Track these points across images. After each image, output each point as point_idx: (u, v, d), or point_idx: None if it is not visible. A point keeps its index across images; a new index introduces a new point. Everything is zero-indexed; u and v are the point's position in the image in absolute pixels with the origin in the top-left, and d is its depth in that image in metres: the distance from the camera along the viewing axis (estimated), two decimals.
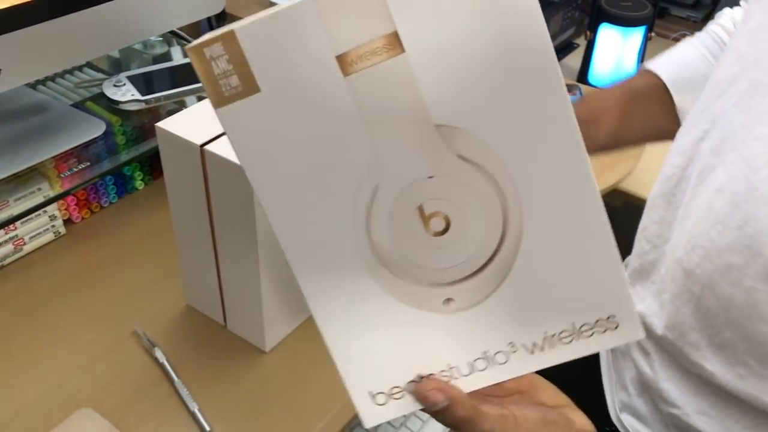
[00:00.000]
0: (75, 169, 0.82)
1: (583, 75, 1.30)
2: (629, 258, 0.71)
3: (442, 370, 0.41)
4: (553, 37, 1.39)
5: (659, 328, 0.63)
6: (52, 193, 0.81)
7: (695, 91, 0.74)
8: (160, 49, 1.01)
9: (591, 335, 0.41)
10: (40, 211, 0.80)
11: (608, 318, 0.41)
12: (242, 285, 0.69)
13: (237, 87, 0.35)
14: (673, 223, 0.63)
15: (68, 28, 0.78)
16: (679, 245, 0.59)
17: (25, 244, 0.81)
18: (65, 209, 0.84)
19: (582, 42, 1.35)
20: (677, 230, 0.61)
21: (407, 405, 0.41)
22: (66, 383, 0.68)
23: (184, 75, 0.91)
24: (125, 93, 0.85)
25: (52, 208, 0.82)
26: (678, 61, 0.80)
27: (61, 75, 0.95)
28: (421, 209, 0.38)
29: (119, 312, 0.75)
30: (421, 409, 0.42)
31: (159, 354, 0.70)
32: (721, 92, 0.58)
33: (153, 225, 0.87)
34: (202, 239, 0.68)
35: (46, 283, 0.78)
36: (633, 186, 1.10)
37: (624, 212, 0.87)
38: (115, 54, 1.01)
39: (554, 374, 0.45)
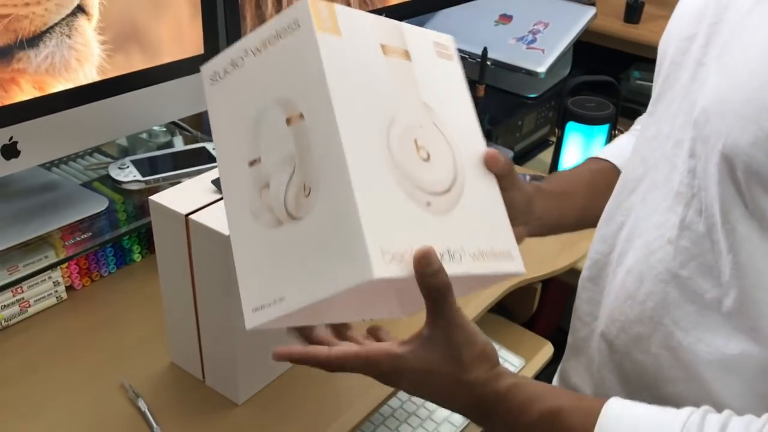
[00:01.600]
0: (78, 239, 0.92)
1: (553, 169, 1.41)
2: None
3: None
4: (528, 135, 1.51)
5: None
6: (56, 258, 0.90)
7: None
8: (163, 138, 1.13)
9: (493, 261, 0.58)
10: (45, 277, 0.90)
11: (505, 251, 0.60)
12: (219, 344, 0.77)
13: (329, 27, 0.55)
14: (600, 302, 0.71)
15: (81, 117, 0.90)
16: (603, 320, 0.68)
17: (30, 306, 0.90)
18: (68, 276, 0.94)
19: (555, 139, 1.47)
20: (603, 308, 0.70)
21: (402, 269, 0.51)
22: (57, 428, 0.75)
23: (182, 160, 1.03)
24: (128, 174, 0.96)
25: (56, 275, 0.91)
26: (622, 149, 0.89)
27: (73, 158, 1.07)
28: (416, 141, 0.57)
29: (109, 368, 0.83)
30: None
31: (141, 404, 0.77)
32: (631, 189, 0.68)
33: (147, 293, 0.95)
34: (185, 302, 0.77)
35: (46, 342, 0.87)
36: None
37: None
38: (123, 142, 1.13)
39: None
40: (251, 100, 0.58)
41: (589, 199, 0.85)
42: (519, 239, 0.70)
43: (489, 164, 0.63)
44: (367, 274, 0.48)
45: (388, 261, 0.49)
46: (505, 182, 0.65)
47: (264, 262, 0.56)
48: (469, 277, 0.56)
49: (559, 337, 1.25)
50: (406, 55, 0.60)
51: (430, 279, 0.51)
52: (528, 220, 0.73)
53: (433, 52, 0.63)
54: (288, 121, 0.54)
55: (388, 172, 0.53)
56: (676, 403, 0.60)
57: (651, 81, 1.94)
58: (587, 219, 0.89)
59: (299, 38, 0.54)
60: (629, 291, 0.63)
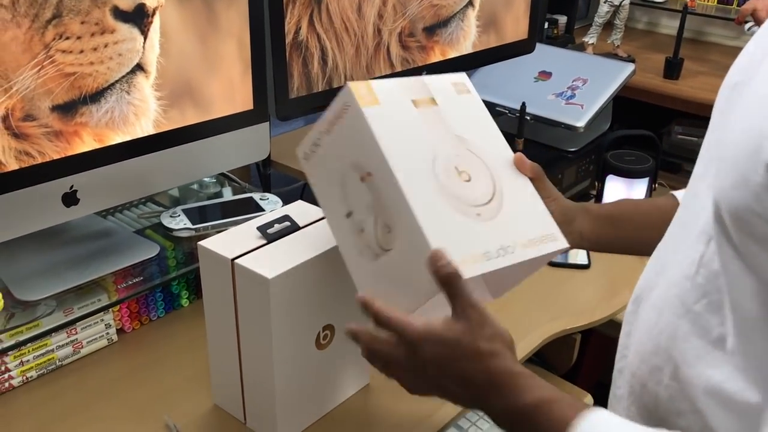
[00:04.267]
0: (130, 282, 0.96)
1: None
2: None
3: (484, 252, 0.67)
4: (569, 188, 1.52)
5: None
6: (109, 301, 0.94)
7: None
8: (213, 189, 1.18)
9: (540, 244, 0.71)
10: (98, 319, 0.94)
11: (549, 234, 0.72)
12: (260, 386, 0.79)
13: (370, 101, 0.69)
14: (633, 335, 0.73)
15: (137, 168, 0.95)
16: (631, 352, 0.70)
17: (82, 347, 0.94)
18: (119, 320, 0.98)
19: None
20: (632, 341, 0.71)
21: (467, 272, 0.64)
22: None
23: (231, 209, 1.07)
24: (179, 222, 1.01)
25: (108, 318, 0.96)
26: None
27: (128, 207, 1.12)
28: (456, 168, 0.71)
29: (155, 408, 0.86)
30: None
31: None
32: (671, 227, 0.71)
33: (193, 337, 0.99)
34: (229, 344, 0.80)
35: (96, 381, 0.91)
36: None
37: None
38: (175, 192, 1.18)
39: None
40: (334, 167, 0.72)
41: (637, 230, 0.87)
42: None
43: (518, 166, 0.76)
44: None
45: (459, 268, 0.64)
46: (537, 186, 0.76)
47: (376, 286, 0.70)
48: (524, 263, 0.69)
49: (600, 391, 1.24)
50: (433, 101, 0.75)
51: (439, 270, 0.63)
52: (565, 231, 0.77)
53: (453, 91, 0.78)
54: (362, 179, 0.69)
55: (442, 199, 0.68)
56: None
57: (693, 136, 1.95)
58: (630, 248, 0.90)
59: (352, 115, 0.70)
60: (650, 324, 0.65)
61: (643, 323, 0.67)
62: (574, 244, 0.83)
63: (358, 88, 0.70)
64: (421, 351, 0.64)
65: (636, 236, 0.87)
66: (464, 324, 0.63)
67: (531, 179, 0.76)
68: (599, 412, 0.58)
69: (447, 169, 0.70)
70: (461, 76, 0.79)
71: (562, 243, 0.73)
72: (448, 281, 0.63)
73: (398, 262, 0.67)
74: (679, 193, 0.91)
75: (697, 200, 0.63)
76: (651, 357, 0.64)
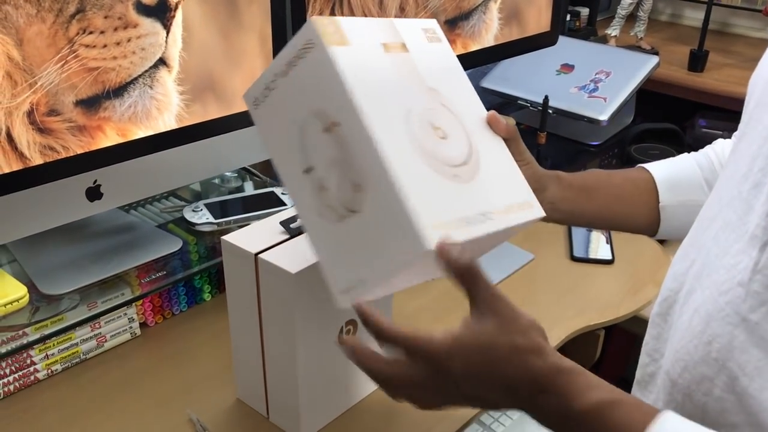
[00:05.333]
0: (153, 276, 0.97)
1: None
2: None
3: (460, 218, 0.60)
4: None
5: None
6: (132, 296, 0.95)
7: (680, 195, 0.84)
8: (234, 183, 1.18)
9: (518, 212, 0.65)
10: (121, 313, 0.95)
11: (525, 202, 0.67)
12: (283, 381, 0.79)
13: (337, 40, 0.61)
14: (667, 339, 0.70)
15: (160, 163, 0.95)
16: (668, 358, 0.67)
17: (106, 341, 0.94)
18: (142, 314, 0.98)
19: None
20: (668, 346, 0.69)
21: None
22: None
23: (253, 203, 1.07)
24: (201, 217, 1.01)
25: (131, 312, 0.96)
26: (671, 167, 0.89)
27: (150, 201, 1.12)
28: (432, 124, 0.64)
29: (178, 402, 0.87)
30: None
31: None
32: (705, 227, 0.68)
33: (216, 331, 0.99)
34: (252, 338, 0.80)
35: (120, 375, 0.91)
36: None
37: None
38: (197, 186, 1.18)
39: None
40: (291, 116, 0.64)
41: (609, 202, 0.85)
42: None
43: (492, 125, 0.70)
44: (424, 246, 0.56)
45: (437, 232, 0.57)
46: (511, 147, 0.71)
47: (339, 251, 0.63)
48: (500, 231, 0.63)
49: (623, 387, 1.23)
50: (404, 47, 0.67)
51: (455, 264, 0.56)
52: (538, 199, 0.74)
53: (424, 38, 0.70)
54: (326, 129, 0.61)
55: (418, 157, 0.60)
56: None
57: (717, 129, 1.92)
58: (602, 220, 0.87)
59: (315, 55, 0.61)
60: (695, 331, 0.62)
61: (684, 329, 0.64)
62: (546, 215, 0.79)
63: (323, 24, 0.61)
64: (450, 367, 0.56)
65: (608, 209, 0.85)
66: (494, 321, 0.56)
67: (505, 140, 0.70)
68: (673, 418, 0.53)
69: (422, 123, 0.63)
70: (432, 23, 0.72)
71: (539, 211, 0.67)
72: (466, 274, 0.56)
73: (368, 225, 0.59)
74: (650, 166, 0.88)
75: (742, 201, 0.60)
76: (698, 366, 0.61)
